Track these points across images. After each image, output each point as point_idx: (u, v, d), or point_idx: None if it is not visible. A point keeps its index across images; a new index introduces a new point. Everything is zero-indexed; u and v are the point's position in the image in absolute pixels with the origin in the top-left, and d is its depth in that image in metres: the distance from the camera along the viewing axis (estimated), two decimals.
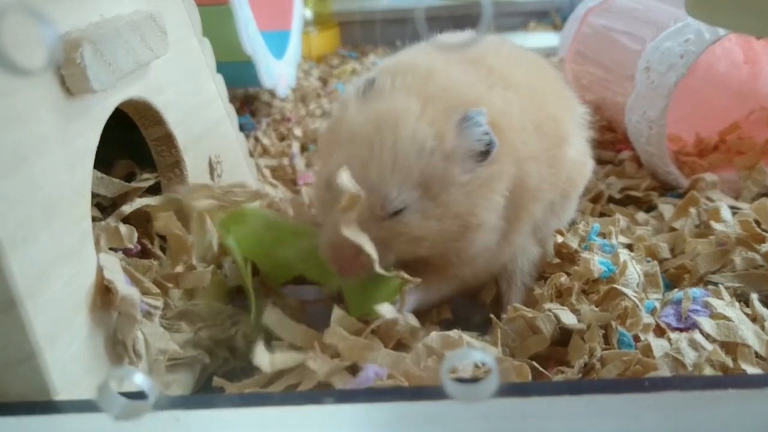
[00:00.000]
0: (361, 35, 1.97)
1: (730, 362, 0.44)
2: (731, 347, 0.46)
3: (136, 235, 0.51)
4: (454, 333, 0.47)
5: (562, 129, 0.60)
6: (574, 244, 0.61)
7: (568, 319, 0.50)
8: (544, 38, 1.77)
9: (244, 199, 0.59)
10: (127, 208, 0.55)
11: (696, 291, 0.53)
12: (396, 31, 1.80)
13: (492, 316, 0.53)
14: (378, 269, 0.48)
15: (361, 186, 0.46)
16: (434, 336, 0.47)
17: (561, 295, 0.55)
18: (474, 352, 0.28)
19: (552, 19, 2.01)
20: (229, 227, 0.55)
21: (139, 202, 0.56)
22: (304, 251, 0.54)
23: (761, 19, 0.35)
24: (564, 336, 0.51)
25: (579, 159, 0.64)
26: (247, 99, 1.33)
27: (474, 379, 0.30)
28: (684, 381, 0.37)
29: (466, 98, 0.51)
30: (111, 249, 0.49)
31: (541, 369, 0.46)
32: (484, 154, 0.50)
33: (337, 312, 0.49)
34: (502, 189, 0.52)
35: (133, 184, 0.61)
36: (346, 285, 0.53)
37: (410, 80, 0.52)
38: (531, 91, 0.59)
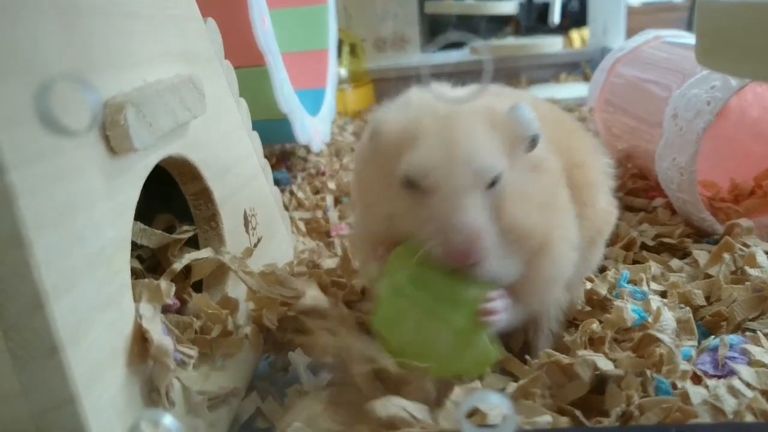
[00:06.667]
0: (395, 91, 2.02)
1: None
2: None
3: (173, 290, 0.53)
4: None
5: (590, 176, 0.61)
6: (603, 290, 0.61)
7: (606, 365, 0.50)
8: (575, 89, 1.79)
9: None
10: (177, 266, 0.57)
11: (733, 338, 0.52)
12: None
13: (527, 357, 0.53)
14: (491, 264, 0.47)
15: (455, 164, 0.46)
16: (458, 391, 0.46)
17: (593, 343, 0.55)
18: (491, 396, 0.28)
19: (583, 69, 2.04)
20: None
21: (187, 258, 0.59)
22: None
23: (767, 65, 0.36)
24: (599, 384, 0.50)
25: (606, 207, 0.64)
26: (284, 155, 1.38)
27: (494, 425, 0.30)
28: (726, 428, 0.36)
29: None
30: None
31: (582, 419, 0.46)
32: (533, 143, 0.51)
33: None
34: (562, 182, 0.54)
35: (174, 236, 0.64)
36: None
37: (442, 104, 0.52)
38: (559, 138, 0.60)
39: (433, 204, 0.47)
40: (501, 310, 0.48)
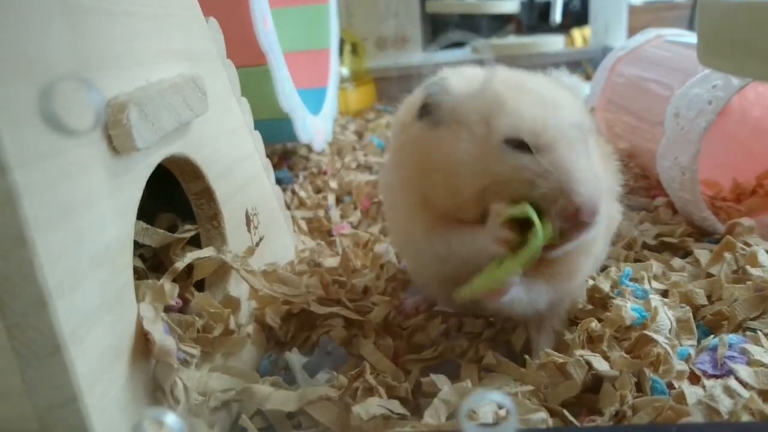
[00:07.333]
0: (396, 90, 2.02)
1: None
2: None
3: (177, 290, 0.53)
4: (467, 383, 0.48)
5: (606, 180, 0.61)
6: (605, 287, 0.61)
7: (601, 365, 0.50)
8: None
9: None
10: (180, 265, 0.58)
11: (733, 337, 0.52)
12: None
13: (527, 357, 0.53)
14: None
15: (566, 120, 0.48)
16: (447, 389, 0.47)
17: (592, 341, 0.55)
18: (492, 395, 0.28)
19: (584, 68, 2.03)
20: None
21: (189, 257, 0.59)
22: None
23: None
24: (595, 383, 0.50)
25: (615, 214, 0.64)
26: (286, 154, 1.38)
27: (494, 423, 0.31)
28: (716, 427, 0.36)
29: None
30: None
31: (571, 418, 0.46)
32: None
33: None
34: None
35: (176, 235, 0.64)
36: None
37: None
38: None
39: (548, 163, 0.46)
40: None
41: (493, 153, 0.48)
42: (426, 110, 0.52)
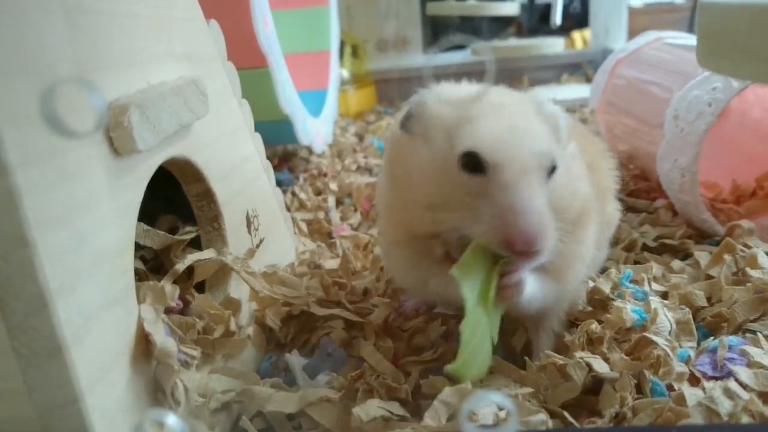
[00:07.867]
0: (397, 92, 2.03)
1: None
2: None
3: (177, 292, 0.53)
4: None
5: (603, 180, 0.61)
6: (606, 289, 0.61)
7: (601, 367, 0.50)
8: (577, 90, 1.79)
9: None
10: (180, 266, 0.58)
11: (732, 339, 0.52)
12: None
13: (527, 358, 0.53)
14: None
15: (523, 143, 0.45)
16: (447, 391, 0.47)
17: (592, 343, 0.55)
18: (492, 396, 0.28)
19: (584, 70, 2.04)
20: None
21: (190, 259, 0.59)
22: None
23: None
24: (595, 385, 0.50)
25: (612, 211, 0.65)
26: (286, 156, 1.38)
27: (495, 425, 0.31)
28: (715, 429, 0.36)
29: None
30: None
31: (571, 420, 0.46)
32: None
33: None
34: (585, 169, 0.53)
35: (177, 237, 0.64)
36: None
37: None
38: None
39: (497, 184, 0.44)
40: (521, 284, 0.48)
41: (450, 169, 0.46)
42: (406, 120, 0.52)
